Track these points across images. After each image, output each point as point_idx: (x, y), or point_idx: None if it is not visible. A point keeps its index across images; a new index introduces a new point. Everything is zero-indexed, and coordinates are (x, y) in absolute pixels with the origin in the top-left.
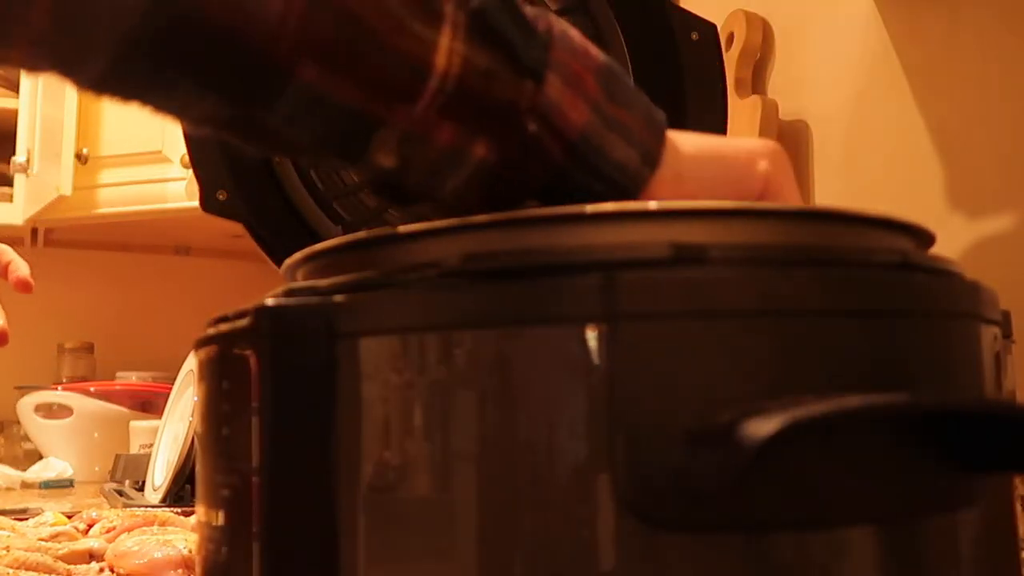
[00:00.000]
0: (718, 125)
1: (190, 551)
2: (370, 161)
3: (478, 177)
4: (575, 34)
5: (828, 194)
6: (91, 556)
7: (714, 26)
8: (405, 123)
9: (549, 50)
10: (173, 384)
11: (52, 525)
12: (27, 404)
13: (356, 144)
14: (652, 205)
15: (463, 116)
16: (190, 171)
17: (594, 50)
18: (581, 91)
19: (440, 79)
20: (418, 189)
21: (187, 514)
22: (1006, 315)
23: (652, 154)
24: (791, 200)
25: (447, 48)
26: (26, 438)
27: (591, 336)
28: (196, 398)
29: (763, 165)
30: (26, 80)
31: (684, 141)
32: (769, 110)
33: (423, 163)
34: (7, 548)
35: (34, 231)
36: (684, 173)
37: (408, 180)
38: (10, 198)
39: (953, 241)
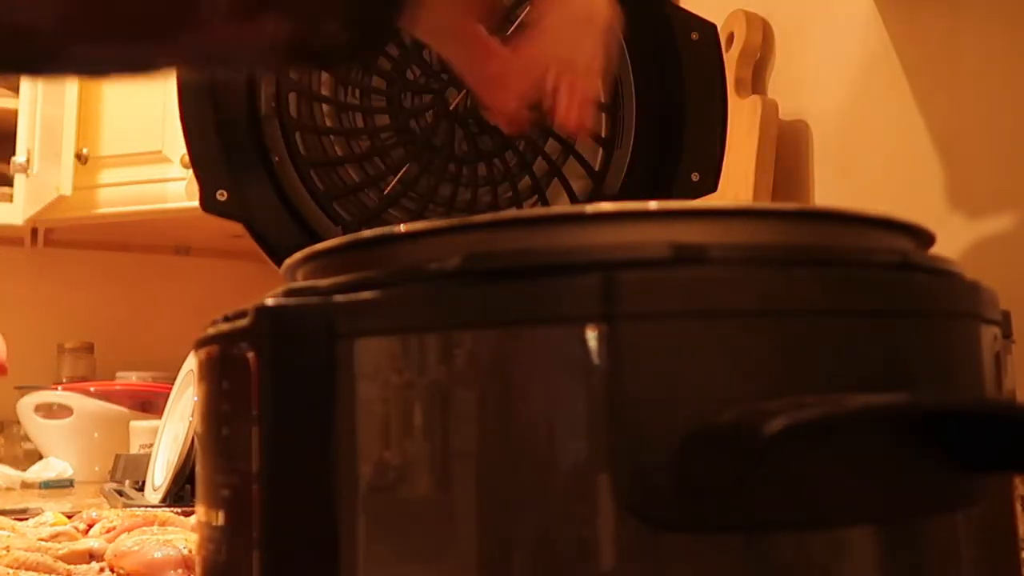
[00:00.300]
0: (718, 125)
1: (190, 551)
2: None
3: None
4: None
5: (828, 194)
6: (91, 556)
7: (714, 26)
8: (196, 44)
9: None
10: (173, 384)
11: (52, 525)
12: (27, 404)
13: None
14: (652, 205)
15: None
16: (190, 171)
17: None
18: None
19: None
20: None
21: (187, 514)
22: (1006, 315)
23: None
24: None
25: None
26: (26, 438)
27: (591, 336)
28: (196, 398)
29: None
30: (26, 80)
31: None
32: (769, 110)
33: (242, 55)
34: (7, 548)
35: (34, 231)
36: None
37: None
38: (10, 198)
39: (953, 241)
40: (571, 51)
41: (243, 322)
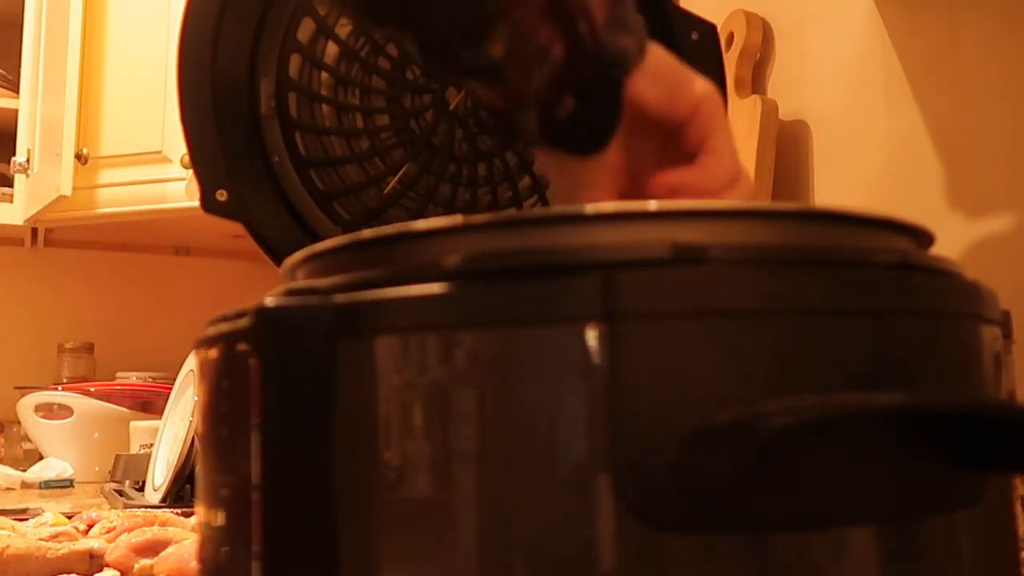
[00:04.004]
0: None
1: None
2: (484, 48)
3: (552, 75)
4: None
5: (828, 194)
6: (91, 556)
7: (714, 26)
8: (521, 20)
9: None
10: (173, 384)
11: (52, 525)
12: (27, 404)
13: (479, 31)
14: (652, 205)
15: (554, 17)
16: (190, 171)
17: None
18: None
19: None
20: (509, 81)
21: (187, 514)
22: (1006, 315)
23: (643, 43)
24: (719, 132)
25: None
26: (26, 438)
27: (591, 336)
28: (196, 398)
29: (699, 88)
30: (26, 80)
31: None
32: (769, 110)
33: (521, 58)
34: (7, 547)
35: (34, 231)
36: (642, 67)
37: (505, 71)
38: (10, 198)
39: (953, 241)
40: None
41: (243, 322)
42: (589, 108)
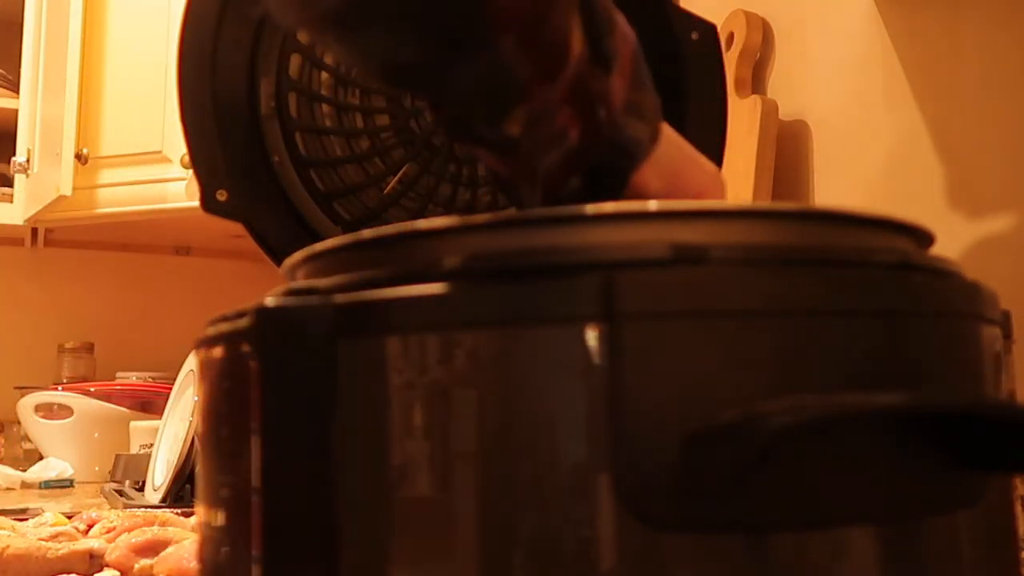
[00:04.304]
0: (718, 125)
1: None
2: (502, 127)
3: (565, 157)
4: (618, 15)
5: (828, 194)
6: (91, 556)
7: (714, 26)
8: (541, 102)
9: (612, 35)
10: (173, 384)
11: (52, 525)
12: (27, 404)
13: (502, 109)
14: (652, 205)
15: (575, 101)
16: (190, 171)
17: (629, 30)
18: (624, 76)
19: (575, 63)
20: (519, 158)
21: (187, 514)
22: (1006, 315)
23: (656, 133)
24: None
25: (577, 30)
26: (26, 438)
27: (591, 336)
28: (196, 398)
29: (701, 180)
30: (26, 80)
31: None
32: (769, 110)
33: (537, 139)
34: (7, 547)
35: (34, 231)
36: (659, 161)
37: (519, 149)
38: (10, 198)
39: (953, 241)
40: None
41: (243, 322)
42: (593, 192)
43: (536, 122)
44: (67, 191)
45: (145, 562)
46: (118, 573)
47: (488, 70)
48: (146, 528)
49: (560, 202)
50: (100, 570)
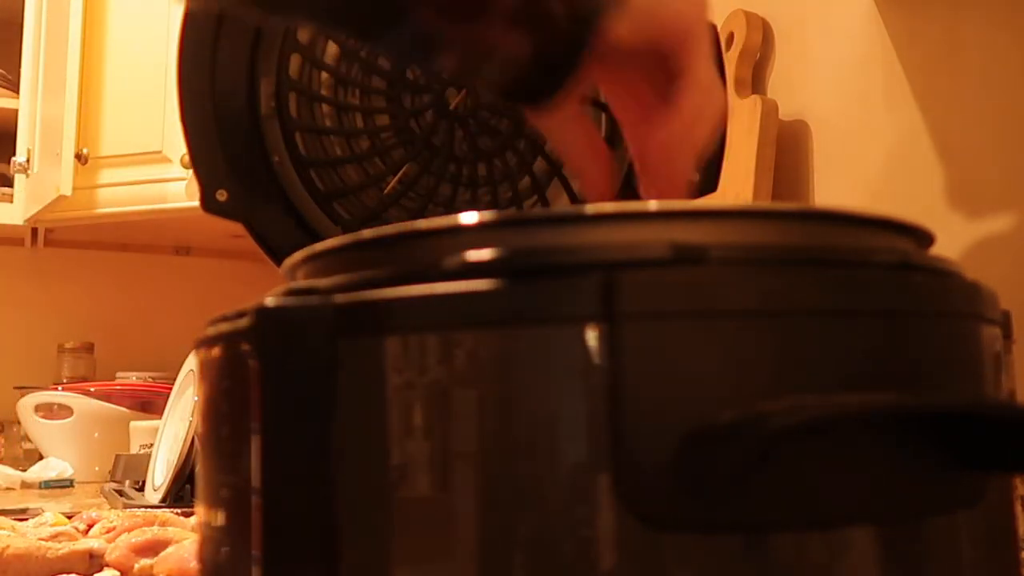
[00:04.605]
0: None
1: None
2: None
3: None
4: None
5: (828, 194)
6: (91, 556)
7: (714, 26)
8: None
9: None
10: (173, 384)
11: (52, 525)
12: (27, 404)
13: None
14: (652, 205)
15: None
16: (190, 171)
17: None
18: None
19: None
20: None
21: (187, 514)
22: (1006, 315)
23: None
24: (698, 67)
25: None
26: (26, 438)
27: (591, 336)
28: (196, 398)
29: (674, 13)
30: (26, 80)
31: None
32: (769, 110)
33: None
34: (7, 547)
35: (34, 231)
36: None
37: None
38: (10, 198)
39: (953, 241)
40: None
41: (243, 322)
42: (547, 61)
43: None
44: (67, 191)
45: (145, 562)
46: (118, 573)
47: (415, 35)
48: (146, 528)
49: (514, 78)
50: (100, 570)
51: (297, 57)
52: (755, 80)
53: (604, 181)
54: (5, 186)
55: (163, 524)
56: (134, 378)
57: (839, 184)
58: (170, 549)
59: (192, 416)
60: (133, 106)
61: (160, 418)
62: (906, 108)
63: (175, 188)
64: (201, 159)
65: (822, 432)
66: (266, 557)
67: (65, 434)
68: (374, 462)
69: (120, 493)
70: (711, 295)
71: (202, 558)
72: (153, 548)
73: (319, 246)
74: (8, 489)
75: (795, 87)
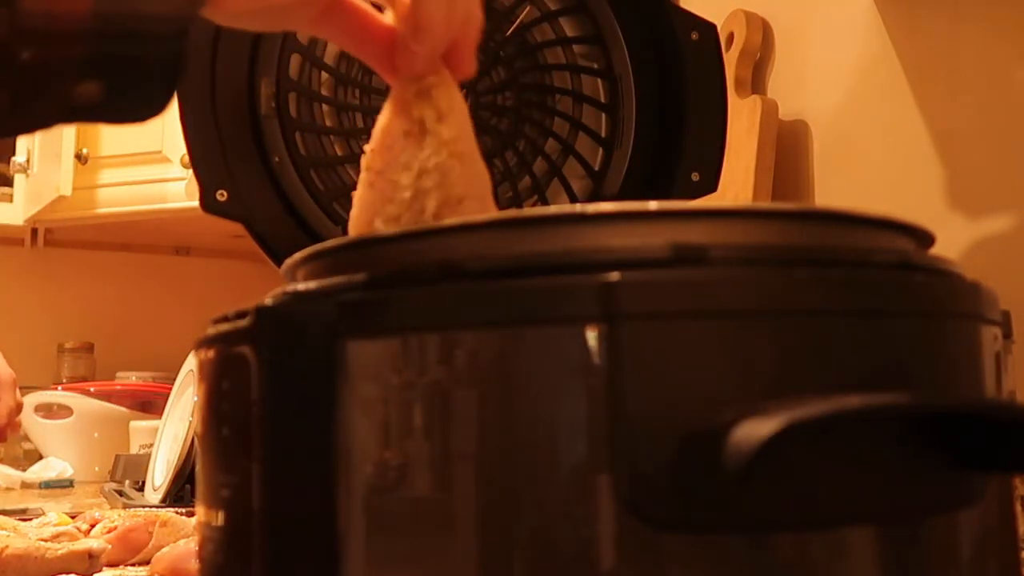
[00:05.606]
0: (718, 125)
1: None
2: None
3: (2, 115)
4: None
5: (828, 194)
6: (90, 556)
7: (714, 26)
8: None
9: None
10: (173, 384)
11: (56, 525)
12: (27, 404)
13: None
14: (652, 205)
15: None
16: (190, 171)
17: None
18: None
19: None
20: None
21: (187, 514)
22: (1006, 315)
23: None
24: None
25: None
26: (26, 438)
27: (591, 336)
28: (196, 398)
29: None
30: None
31: None
32: (769, 110)
33: None
34: (6, 548)
35: (34, 231)
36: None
37: None
38: (10, 198)
39: (953, 241)
40: (458, 9)
41: (243, 322)
42: (126, 82)
43: None
44: (67, 191)
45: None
46: (118, 573)
47: None
48: (145, 528)
49: (86, 109)
50: (99, 570)
51: (297, 57)
52: (755, 80)
53: (387, 61)
54: (5, 186)
55: (163, 524)
56: (134, 378)
57: (839, 184)
58: (166, 549)
59: (192, 416)
60: None
61: (160, 418)
62: (906, 108)
63: (175, 188)
64: (201, 159)
65: (822, 432)
66: (266, 557)
67: (65, 434)
68: (374, 462)
69: (120, 493)
70: (711, 295)
71: (202, 558)
72: (150, 548)
73: (319, 246)
74: (8, 489)
75: (795, 87)
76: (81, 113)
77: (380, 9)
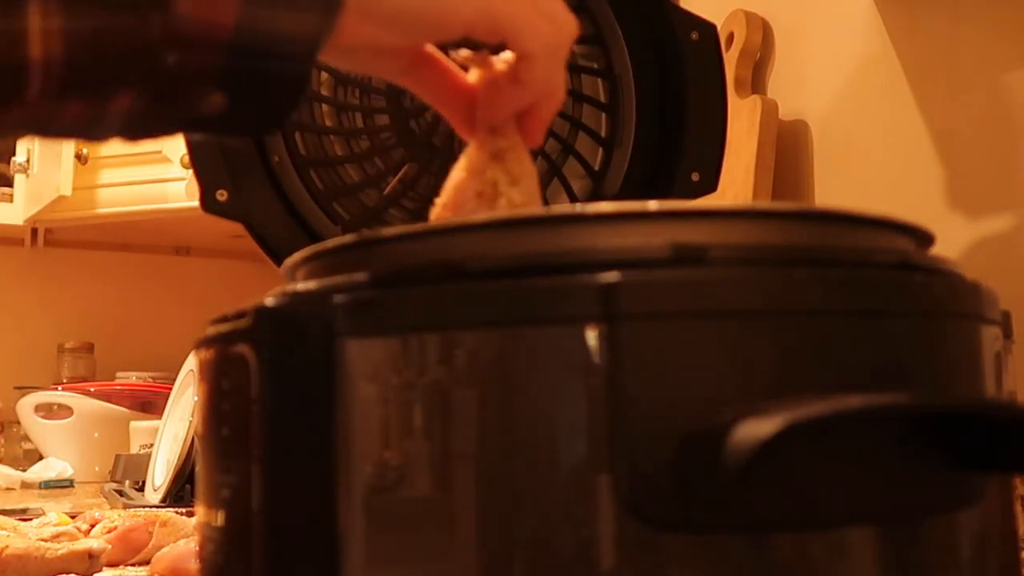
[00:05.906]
0: (718, 125)
1: None
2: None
3: (135, 119)
4: None
5: (828, 194)
6: (90, 556)
7: (714, 26)
8: (22, 117)
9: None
10: (173, 384)
11: (56, 525)
12: (27, 404)
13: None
14: (652, 205)
15: (86, 88)
16: (190, 171)
17: None
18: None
19: (42, 70)
20: (65, 136)
21: (187, 514)
22: (1006, 315)
23: (331, 5)
24: (521, 26)
25: (39, 32)
26: (26, 438)
27: (591, 336)
28: (196, 398)
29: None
30: None
31: None
32: (769, 110)
33: (60, 129)
34: (5, 548)
35: (34, 231)
36: (371, 10)
37: (49, 136)
38: (10, 198)
39: (953, 241)
40: (554, 80)
41: (243, 322)
42: (251, 97)
43: (38, 125)
44: (67, 191)
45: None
46: (118, 573)
47: None
48: (145, 528)
49: (209, 120)
50: (99, 570)
51: None
52: (755, 80)
53: (467, 119)
54: (5, 186)
55: (163, 524)
56: (134, 378)
57: (839, 184)
58: (166, 549)
59: (192, 416)
60: None
61: (160, 418)
62: (906, 108)
63: (175, 188)
64: (201, 159)
65: (822, 432)
66: (266, 557)
67: (65, 434)
68: (374, 462)
69: (120, 493)
70: (711, 295)
71: (202, 558)
72: (150, 547)
73: (319, 246)
74: (8, 489)
75: (795, 87)
76: (203, 123)
77: (465, 69)
